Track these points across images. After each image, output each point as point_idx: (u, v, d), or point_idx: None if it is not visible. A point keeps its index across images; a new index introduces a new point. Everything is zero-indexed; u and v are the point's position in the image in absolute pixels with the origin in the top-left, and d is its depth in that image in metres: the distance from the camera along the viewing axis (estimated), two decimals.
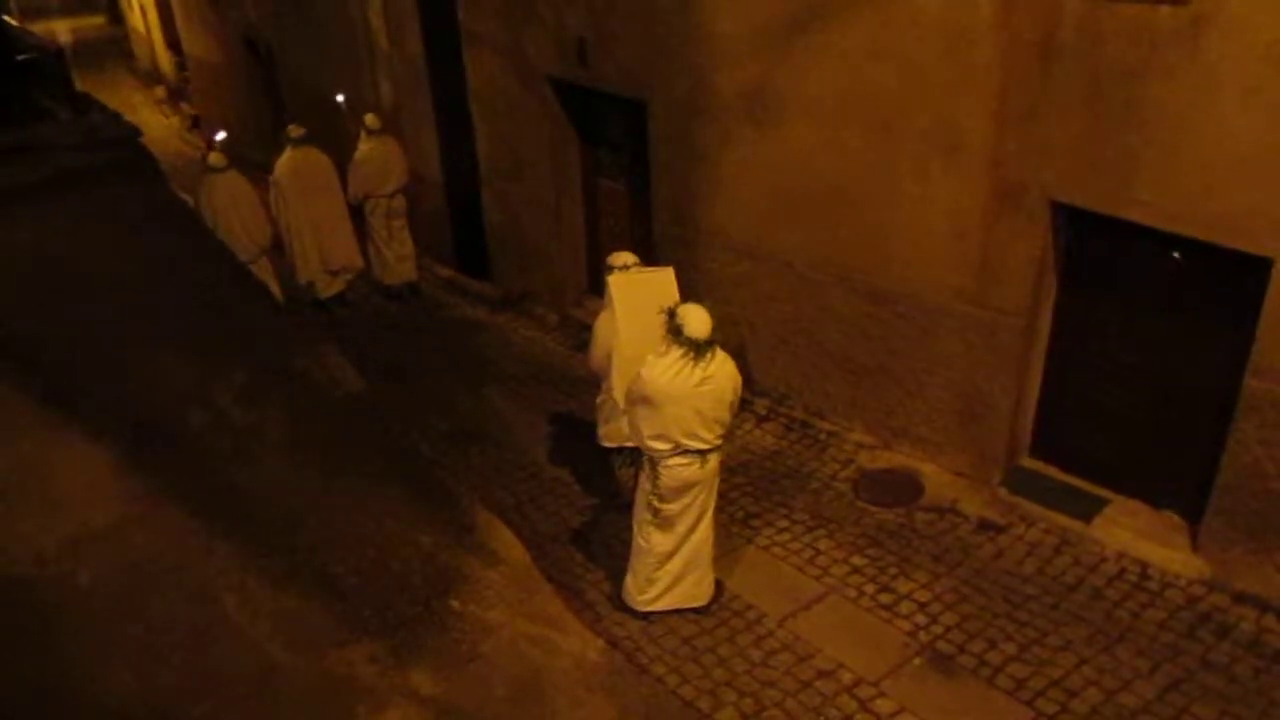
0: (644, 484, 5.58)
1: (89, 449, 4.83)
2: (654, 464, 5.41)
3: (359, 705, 4.39)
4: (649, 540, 5.63)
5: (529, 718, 4.67)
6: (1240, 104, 4.87)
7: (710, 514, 5.66)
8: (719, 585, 5.94)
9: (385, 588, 4.93)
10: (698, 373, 5.15)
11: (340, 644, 4.58)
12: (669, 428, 5.24)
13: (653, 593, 5.76)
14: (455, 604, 5.03)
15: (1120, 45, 5.19)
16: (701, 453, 5.35)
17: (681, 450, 5.30)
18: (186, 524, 4.73)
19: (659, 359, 5.21)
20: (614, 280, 6.01)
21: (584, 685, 4.99)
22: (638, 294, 5.70)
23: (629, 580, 5.83)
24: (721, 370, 5.25)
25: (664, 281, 5.97)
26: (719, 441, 5.40)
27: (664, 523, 5.57)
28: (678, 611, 5.83)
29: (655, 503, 5.51)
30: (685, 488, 5.44)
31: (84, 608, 4.34)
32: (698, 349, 5.14)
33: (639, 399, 5.29)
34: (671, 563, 5.66)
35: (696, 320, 5.16)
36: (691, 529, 5.60)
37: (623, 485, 6.84)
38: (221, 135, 10.74)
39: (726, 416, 5.35)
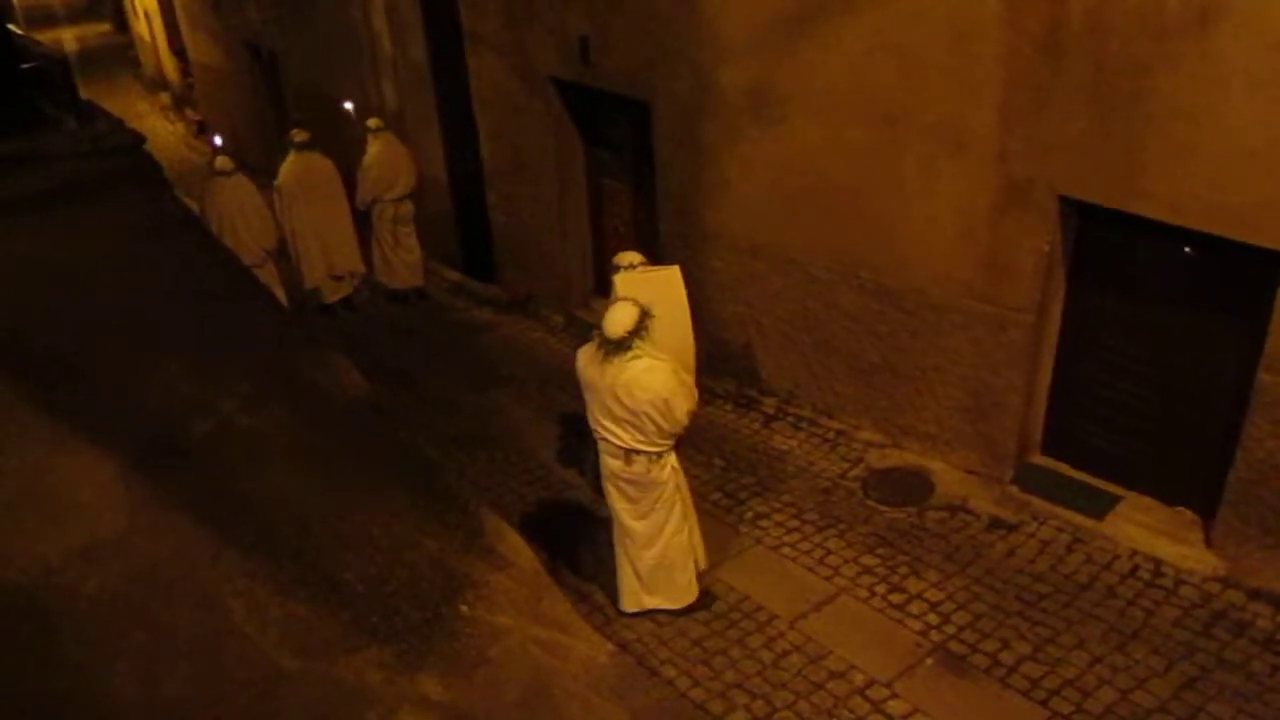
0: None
1: (95, 457, 4.82)
2: (595, 447, 5.56)
3: (368, 712, 4.36)
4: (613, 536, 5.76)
5: None
6: (1250, 96, 4.82)
7: (665, 533, 5.58)
8: (705, 594, 5.87)
9: (393, 593, 4.91)
10: (609, 369, 5.16)
11: (348, 650, 4.56)
12: (589, 412, 5.42)
13: (621, 583, 5.80)
14: (464, 609, 5.00)
15: (1127, 37, 5.14)
16: (623, 450, 5.35)
17: (603, 438, 5.40)
18: (193, 532, 4.71)
19: (582, 348, 5.39)
20: (620, 279, 6.00)
21: (594, 689, 4.96)
22: (644, 293, 5.68)
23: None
24: (637, 380, 5.12)
25: (670, 280, 5.95)
26: (640, 447, 5.29)
27: (609, 509, 5.68)
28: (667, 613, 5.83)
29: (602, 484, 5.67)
30: (612, 479, 5.48)
31: (90, 616, 4.32)
32: (606, 345, 5.14)
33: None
34: (636, 567, 5.70)
35: (611, 317, 5.14)
36: (632, 536, 5.60)
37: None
38: (218, 141, 10.75)
39: (644, 425, 5.21)
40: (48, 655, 4.18)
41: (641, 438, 5.28)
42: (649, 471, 5.40)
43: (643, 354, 5.14)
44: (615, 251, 6.76)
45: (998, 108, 5.77)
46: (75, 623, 4.30)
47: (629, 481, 5.45)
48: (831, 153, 6.73)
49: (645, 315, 5.14)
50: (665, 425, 5.22)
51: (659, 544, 5.60)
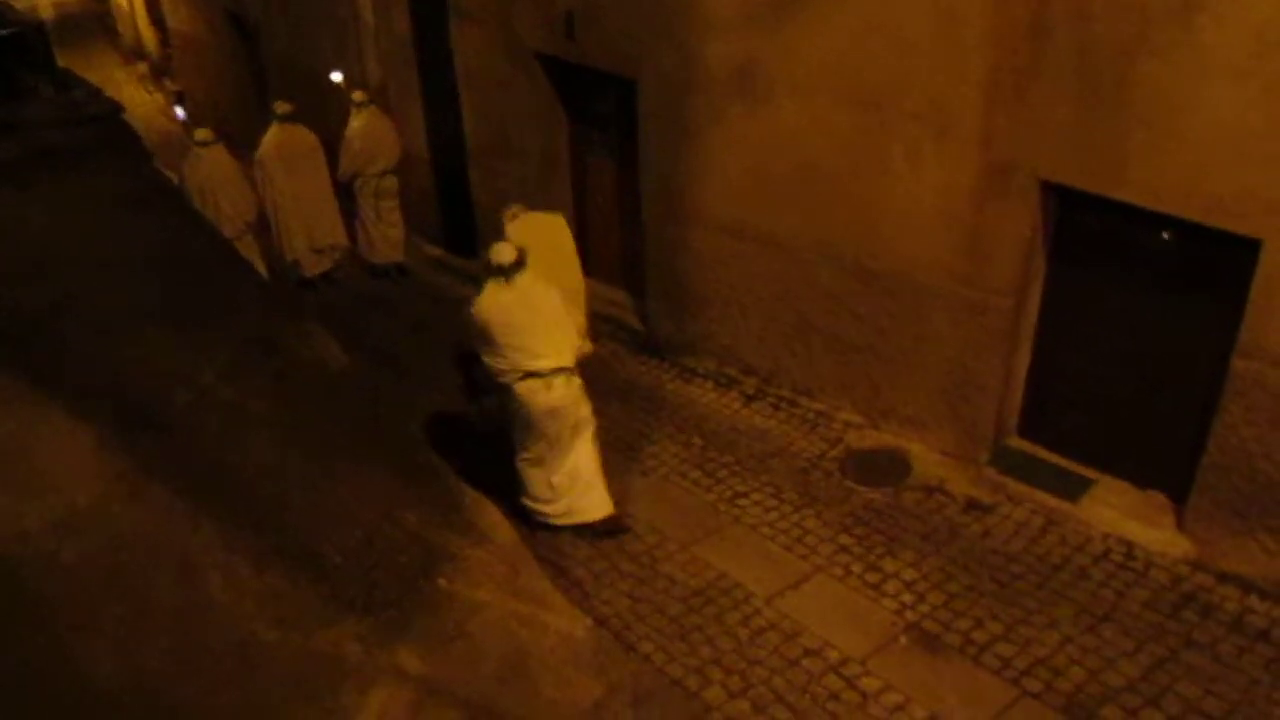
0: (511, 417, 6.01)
1: (73, 426, 4.78)
2: (509, 393, 5.82)
3: (345, 684, 4.37)
4: (525, 474, 6.07)
5: (516, 696, 4.67)
6: (1231, 84, 4.86)
7: (586, 438, 6.03)
8: (620, 517, 6.32)
9: (372, 566, 4.90)
10: (512, 293, 5.64)
11: (326, 623, 4.56)
12: (506, 353, 5.69)
13: (549, 510, 6.17)
14: (442, 582, 5.01)
15: (1111, 23, 5.16)
16: (549, 375, 5.72)
17: (526, 374, 5.71)
18: (171, 502, 4.68)
19: (478, 297, 5.75)
20: (510, 227, 6.47)
21: (571, 663, 4.99)
22: (533, 235, 6.19)
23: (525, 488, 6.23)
24: (534, 286, 5.75)
25: (556, 224, 6.59)
26: (563, 362, 5.73)
27: (532, 459, 5.99)
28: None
29: (518, 433, 5.96)
30: (539, 415, 5.81)
31: (67, 586, 4.30)
32: (508, 270, 5.65)
33: (476, 337, 5.79)
34: (556, 486, 6.07)
35: (498, 250, 5.78)
36: (564, 454, 5.98)
37: (477, 419, 7.49)
38: (181, 113, 10.64)
39: (557, 335, 5.71)
40: (24, 624, 4.16)
41: (565, 348, 5.72)
42: (571, 389, 5.83)
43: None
44: (599, 228, 6.84)
45: (982, 92, 5.79)
46: (52, 593, 4.28)
47: (550, 411, 5.79)
48: (816, 134, 6.74)
49: (521, 249, 5.80)
50: (570, 319, 5.83)
51: (571, 463, 6.00)
